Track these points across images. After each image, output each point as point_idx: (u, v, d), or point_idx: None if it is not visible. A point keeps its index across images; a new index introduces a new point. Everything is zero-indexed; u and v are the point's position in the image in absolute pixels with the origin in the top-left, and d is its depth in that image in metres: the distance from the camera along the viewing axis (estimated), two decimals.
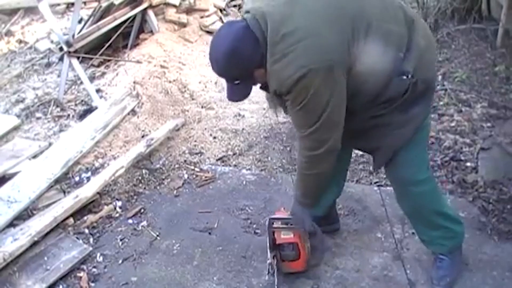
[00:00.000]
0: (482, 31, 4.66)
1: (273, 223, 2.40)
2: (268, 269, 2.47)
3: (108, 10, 5.01)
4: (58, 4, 6.14)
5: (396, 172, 2.23)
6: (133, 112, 4.07)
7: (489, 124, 3.52)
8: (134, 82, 4.30)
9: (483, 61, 4.33)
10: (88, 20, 5.22)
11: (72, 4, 5.63)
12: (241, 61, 1.89)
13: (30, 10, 6.02)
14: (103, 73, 4.76)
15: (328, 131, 1.97)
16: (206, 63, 4.69)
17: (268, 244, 2.41)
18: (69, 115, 4.20)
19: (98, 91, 4.38)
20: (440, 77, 4.15)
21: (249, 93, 2.03)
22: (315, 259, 2.52)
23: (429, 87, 2.04)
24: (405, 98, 1.96)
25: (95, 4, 5.68)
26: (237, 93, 2.02)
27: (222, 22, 5.61)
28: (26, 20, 6.05)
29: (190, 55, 4.95)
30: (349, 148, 2.48)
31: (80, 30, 4.85)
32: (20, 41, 5.68)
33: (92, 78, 4.65)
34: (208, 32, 5.36)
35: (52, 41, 5.49)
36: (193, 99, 4.33)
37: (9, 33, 5.82)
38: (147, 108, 4.09)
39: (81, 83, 4.50)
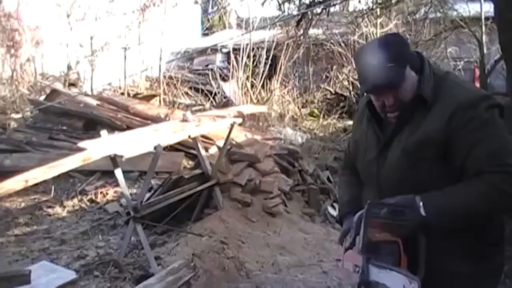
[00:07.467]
0: None
1: (374, 213, 1.71)
2: (361, 280, 1.69)
3: (177, 183, 5.33)
4: (132, 171, 6.57)
5: None
6: (187, 283, 4.06)
7: None
8: (193, 254, 4.36)
9: None
10: (157, 189, 5.57)
11: (145, 172, 6.03)
12: (397, 47, 1.88)
13: (106, 174, 6.45)
14: (165, 242, 4.88)
15: None
16: (265, 244, 4.75)
17: (360, 239, 1.72)
18: (125, 277, 4.25)
19: (157, 258, 4.45)
20: None
21: (400, 80, 1.86)
22: None
23: None
24: None
25: (166, 175, 6.07)
26: (387, 74, 1.82)
27: (285, 205, 5.78)
28: (100, 182, 6.48)
29: (251, 234, 5.04)
30: None
31: (149, 198, 5.13)
32: (92, 201, 6.02)
33: (153, 245, 4.76)
34: (270, 214, 5.51)
35: (121, 205, 5.81)
36: (248, 278, 4.31)
37: (83, 192, 6.21)
38: (202, 282, 4.08)
39: (142, 248, 4.61)
